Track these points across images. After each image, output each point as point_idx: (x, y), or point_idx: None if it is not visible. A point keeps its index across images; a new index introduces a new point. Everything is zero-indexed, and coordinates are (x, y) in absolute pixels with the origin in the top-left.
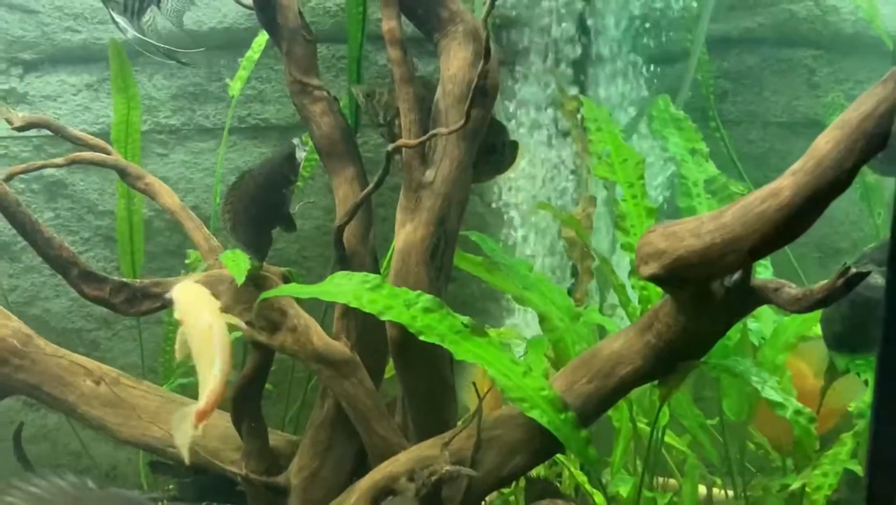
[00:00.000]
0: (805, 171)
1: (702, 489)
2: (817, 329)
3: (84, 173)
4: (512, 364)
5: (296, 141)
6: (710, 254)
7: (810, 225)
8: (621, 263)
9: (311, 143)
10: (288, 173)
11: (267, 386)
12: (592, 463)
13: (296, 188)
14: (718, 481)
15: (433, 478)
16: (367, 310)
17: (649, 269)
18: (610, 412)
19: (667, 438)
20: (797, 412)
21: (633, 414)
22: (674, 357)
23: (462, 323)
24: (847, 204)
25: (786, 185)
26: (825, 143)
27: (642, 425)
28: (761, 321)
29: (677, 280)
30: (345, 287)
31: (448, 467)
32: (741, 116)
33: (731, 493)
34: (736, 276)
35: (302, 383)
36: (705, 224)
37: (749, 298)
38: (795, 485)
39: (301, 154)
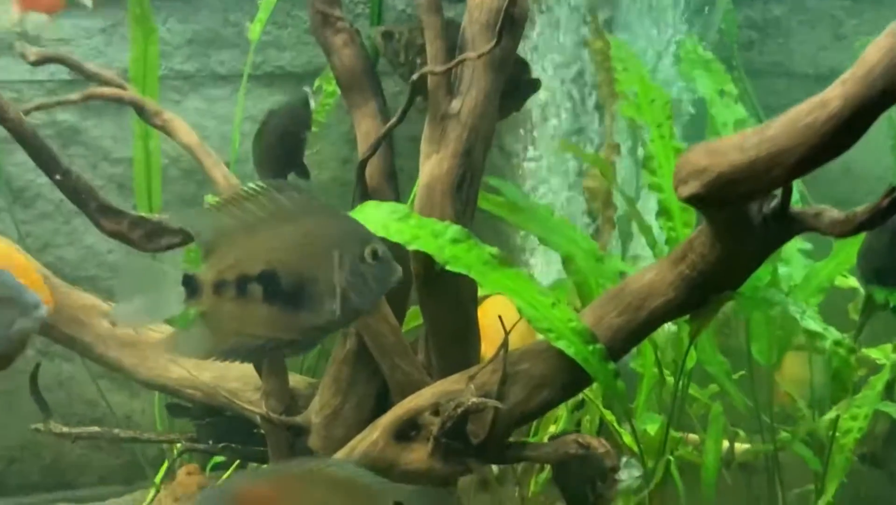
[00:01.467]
0: (855, 80)
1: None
2: (850, 279)
3: (97, 119)
4: (539, 295)
5: (307, 89)
6: (754, 168)
7: (858, 138)
8: (645, 209)
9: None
10: (304, 120)
11: None
12: (620, 397)
13: (309, 136)
14: (741, 434)
15: (459, 410)
16: (394, 239)
17: (689, 188)
18: (633, 360)
19: (690, 391)
20: (837, 343)
21: (658, 357)
22: (707, 289)
23: (490, 253)
24: (870, 158)
25: (835, 95)
26: (876, 52)
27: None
28: (791, 266)
29: (718, 199)
30: (373, 216)
31: (474, 399)
32: (767, 67)
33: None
34: (774, 201)
35: None
36: (749, 138)
37: (787, 224)
38: (830, 415)
39: (313, 103)
